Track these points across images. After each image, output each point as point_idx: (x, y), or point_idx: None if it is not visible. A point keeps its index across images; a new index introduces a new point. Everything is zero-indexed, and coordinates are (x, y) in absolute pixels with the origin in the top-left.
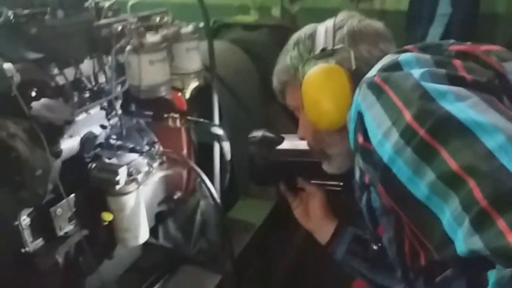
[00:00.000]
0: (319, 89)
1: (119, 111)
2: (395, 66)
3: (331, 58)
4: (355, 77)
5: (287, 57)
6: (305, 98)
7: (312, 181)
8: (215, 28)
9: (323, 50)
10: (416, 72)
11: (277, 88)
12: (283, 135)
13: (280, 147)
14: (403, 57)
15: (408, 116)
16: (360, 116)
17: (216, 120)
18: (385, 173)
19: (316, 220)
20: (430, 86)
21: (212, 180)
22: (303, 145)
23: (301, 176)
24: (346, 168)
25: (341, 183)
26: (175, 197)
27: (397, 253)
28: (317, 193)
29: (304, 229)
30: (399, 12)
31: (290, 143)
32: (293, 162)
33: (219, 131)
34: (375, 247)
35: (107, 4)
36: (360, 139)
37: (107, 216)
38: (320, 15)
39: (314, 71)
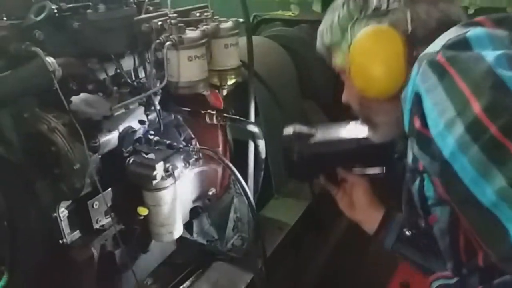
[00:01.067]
0: (369, 53)
1: (158, 107)
2: (463, 44)
3: (384, 19)
4: (410, 41)
5: (335, 15)
6: (353, 62)
7: (354, 170)
8: (255, 23)
9: (376, 9)
10: (489, 55)
11: (320, 49)
12: (316, 127)
13: (315, 140)
14: (473, 33)
15: (477, 107)
16: (418, 98)
17: (252, 117)
18: (445, 169)
19: (362, 209)
20: (506, 74)
21: (246, 177)
22: (338, 134)
23: (341, 167)
24: (391, 137)
25: (384, 170)
26: (210, 193)
27: (450, 246)
28: (360, 181)
29: (338, 230)
30: None
31: (325, 134)
32: (331, 153)
33: (255, 129)
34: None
35: None
36: (417, 123)
37: (143, 211)
38: None
39: (365, 33)
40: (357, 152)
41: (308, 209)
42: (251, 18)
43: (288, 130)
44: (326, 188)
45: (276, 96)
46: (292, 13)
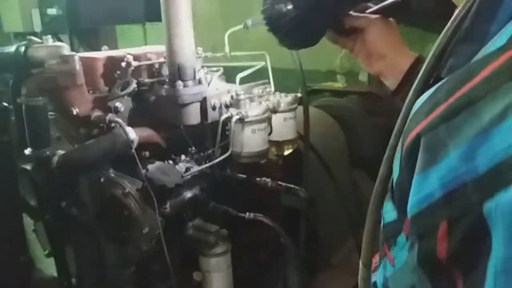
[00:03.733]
0: None
1: (218, 174)
2: None
3: None
4: None
5: None
6: None
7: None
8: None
9: None
10: None
11: None
12: None
13: None
14: None
15: None
16: None
17: (305, 186)
18: None
19: (382, 55)
20: None
21: (297, 245)
22: None
23: (347, 11)
24: None
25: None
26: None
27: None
28: (372, 22)
29: None
30: None
31: None
32: None
33: (307, 197)
34: None
35: (216, 75)
36: None
37: (198, 276)
38: None
39: None
40: None
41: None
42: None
43: None
44: (339, 45)
45: (327, 165)
46: (342, 85)
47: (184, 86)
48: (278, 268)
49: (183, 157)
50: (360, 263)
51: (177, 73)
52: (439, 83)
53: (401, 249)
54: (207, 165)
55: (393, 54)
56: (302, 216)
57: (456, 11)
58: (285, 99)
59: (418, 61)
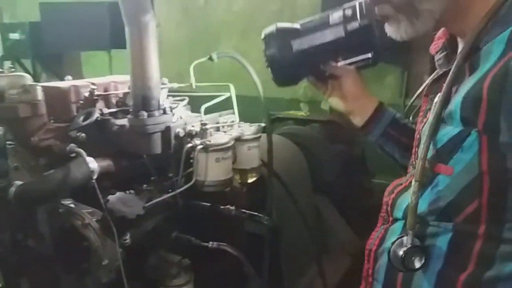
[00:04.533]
0: None
1: (181, 203)
2: None
3: None
4: None
5: None
6: None
7: (340, 63)
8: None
9: None
10: None
11: None
12: (296, 23)
13: (299, 34)
14: None
15: None
16: None
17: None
18: None
19: (354, 99)
20: None
21: (260, 274)
22: (322, 25)
23: (326, 60)
24: (427, 32)
25: (370, 55)
26: None
27: (453, 202)
28: (348, 72)
29: None
30: None
31: (308, 26)
32: (317, 45)
33: (271, 224)
34: None
35: (181, 105)
36: None
37: None
38: None
39: None
40: (342, 42)
41: None
42: None
43: (270, 28)
44: (316, 87)
45: (290, 192)
46: (304, 113)
47: (149, 116)
48: None
49: (145, 186)
50: (413, 181)
51: (141, 103)
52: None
53: (468, 149)
54: (169, 194)
55: (364, 98)
56: (266, 244)
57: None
58: (249, 129)
59: (381, 105)
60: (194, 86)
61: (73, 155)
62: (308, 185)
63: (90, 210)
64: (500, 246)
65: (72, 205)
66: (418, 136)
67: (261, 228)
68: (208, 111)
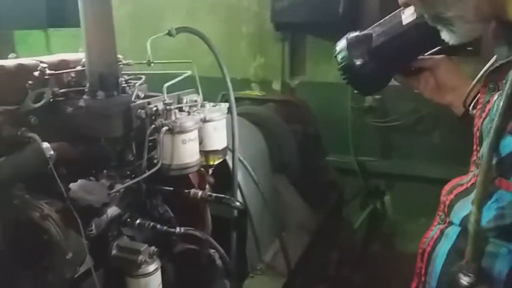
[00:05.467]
0: None
1: (145, 188)
2: None
3: None
4: None
5: None
6: None
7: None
8: (223, 102)
9: None
10: None
11: None
12: (365, 30)
13: (375, 38)
14: None
15: None
16: None
17: (237, 194)
18: None
19: (451, 89)
20: None
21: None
22: (396, 25)
23: (411, 57)
24: (477, 34)
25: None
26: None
27: None
28: (438, 61)
29: None
30: None
31: (383, 29)
32: (398, 46)
33: (240, 207)
34: None
35: (138, 83)
36: None
37: None
38: (318, 89)
39: None
40: (425, 35)
41: (284, 286)
42: (219, 97)
43: (342, 42)
44: (406, 86)
45: (250, 172)
46: (260, 93)
47: (107, 96)
48: (210, 280)
49: (105, 172)
50: (474, 208)
51: (98, 81)
52: None
53: None
54: (134, 180)
55: (463, 87)
56: (233, 226)
57: None
58: (215, 109)
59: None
60: (151, 64)
61: (25, 140)
62: (267, 164)
63: (47, 201)
64: None
65: (27, 196)
66: (478, 134)
67: (225, 210)
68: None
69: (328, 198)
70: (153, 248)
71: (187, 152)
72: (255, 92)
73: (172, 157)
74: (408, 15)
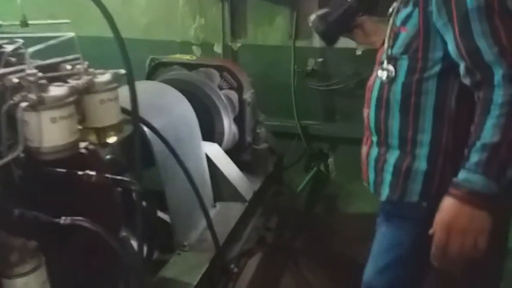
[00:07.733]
0: None
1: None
2: None
3: None
4: None
5: None
6: None
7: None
8: (152, 67)
9: None
10: None
11: None
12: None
13: (330, 12)
14: None
15: None
16: None
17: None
18: None
19: (373, 31)
20: None
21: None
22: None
23: (351, 20)
24: None
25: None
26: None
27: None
28: (366, 20)
29: None
30: None
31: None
32: (344, 13)
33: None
34: None
35: (9, 48)
36: None
37: None
38: (261, 52)
39: None
40: (359, 5)
41: (212, 264)
42: (147, 62)
43: (313, 16)
44: (350, 38)
45: (174, 144)
46: (191, 57)
47: None
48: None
49: None
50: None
51: None
52: None
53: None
54: None
55: (378, 32)
56: (138, 210)
57: None
58: (101, 78)
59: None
60: (26, 25)
61: None
62: (196, 134)
63: None
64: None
65: None
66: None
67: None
68: (48, 56)
69: (266, 165)
70: (32, 243)
71: (59, 132)
72: (186, 56)
73: (41, 138)
74: None
